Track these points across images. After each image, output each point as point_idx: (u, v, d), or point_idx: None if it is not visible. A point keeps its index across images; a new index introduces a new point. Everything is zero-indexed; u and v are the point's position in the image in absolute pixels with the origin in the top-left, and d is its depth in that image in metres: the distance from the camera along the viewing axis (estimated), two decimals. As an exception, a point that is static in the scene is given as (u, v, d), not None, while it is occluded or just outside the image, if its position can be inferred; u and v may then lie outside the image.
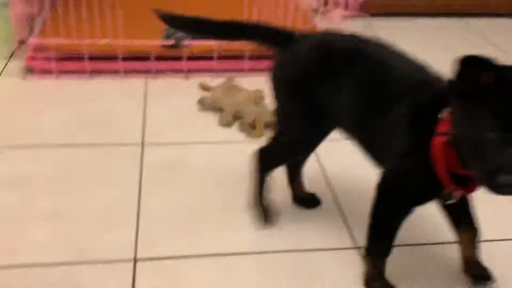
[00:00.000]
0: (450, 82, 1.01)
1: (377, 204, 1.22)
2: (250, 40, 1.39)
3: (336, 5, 2.20)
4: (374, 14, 2.85)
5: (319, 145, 1.39)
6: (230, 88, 1.98)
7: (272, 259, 1.39)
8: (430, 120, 1.08)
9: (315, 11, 2.47)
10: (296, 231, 1.48)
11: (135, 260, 1.35)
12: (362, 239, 1.29)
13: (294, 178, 1.56)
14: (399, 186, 1.18)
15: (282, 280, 1.32)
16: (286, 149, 1.41)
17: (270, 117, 1.89)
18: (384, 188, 1.20)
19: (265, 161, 1.44)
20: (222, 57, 2.22)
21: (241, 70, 2.24)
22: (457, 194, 1.13)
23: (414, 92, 1.14)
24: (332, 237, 1.47)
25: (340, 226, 1.51)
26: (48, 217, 1.47)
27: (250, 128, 1.87)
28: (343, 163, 1.74)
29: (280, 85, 1.34)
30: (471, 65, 0.96)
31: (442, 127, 1.05)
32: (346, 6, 2.21)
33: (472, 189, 1.13)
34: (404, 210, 1.19)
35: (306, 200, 1.57)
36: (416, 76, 1.18)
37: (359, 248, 1.42)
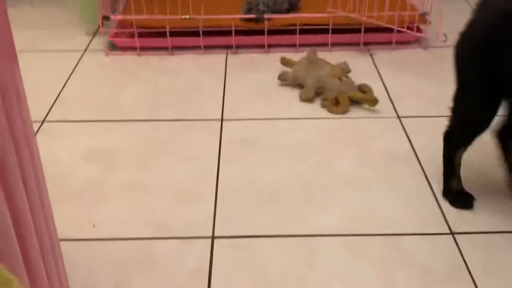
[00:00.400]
0: None
1: None
2: None
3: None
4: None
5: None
6: (313, 62, 1.89)
7: (358, 242, 1.30)
8: None
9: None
10: (386, 214, 1.38)
11: (213, 238, 1.31)
12: (457, 224, 1.17)
13: (508, 153, 1.44)
14: None
15: (368, 265, 1.24)
16: (466, 127, 1.36)
17: (354, 93, 1.79)
18: None
19: (450, 143, 1.39)
20: (304, 31, 2.13)
21: (324, 45, 2.14)
22: None
23: None
24: (424, 221, 1.36)
25: (434, 211, 1.40)
26: (127, 191, 1.46)
27: (333, 104, 1.78)
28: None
29: (461, 55, 1.29)
30: None
31: None
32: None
33: None
34: None
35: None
36: None
37: (453, 234, 1.31)
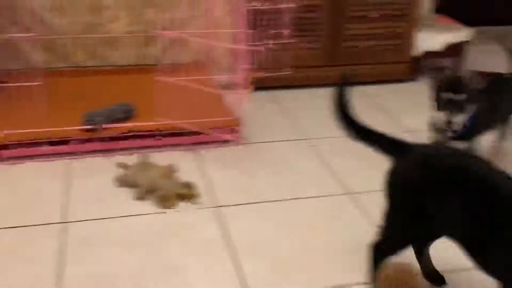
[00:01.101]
0: None
1: None
2: (372, 144, 1.61)
3: (238, 84, 2.50)
4: (279, 87, 3.19)
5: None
6: (144, 164, 2.22)
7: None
8: None
9: (226, 86, 2.76)
10: (200, 291, 1.69)
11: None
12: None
13: (421, 257, 1.71)
14: None
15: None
16: (393, 246, 1.57)
17: (181, 189, 2.13)
18: None
19: (376, 254, 1.60)
20: (137, 136, 2.46)
21: (156, 147, 2.48)
22: None
23: None
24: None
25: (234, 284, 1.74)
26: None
27: (162, 201, 2.10)
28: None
29: (392, 190, 1.53)
30: None
31: None
32: (244, 85, 2.50)
33: None
34: None
35: (433, 277, 1.71)
36: None
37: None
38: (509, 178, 1.35)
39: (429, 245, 1.70)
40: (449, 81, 2.13)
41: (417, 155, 1.50)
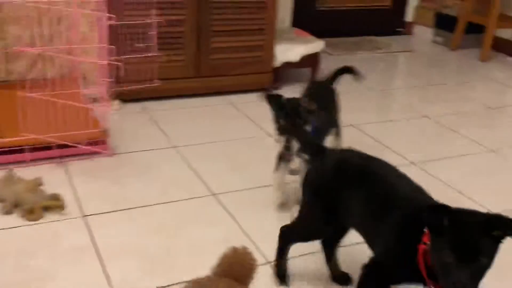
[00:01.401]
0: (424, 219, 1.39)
1: (364, 279, 1.59)
2: (297, 141, 1.99)
3: (103, 97, 2.59)
4: (148, 99, 3.31)
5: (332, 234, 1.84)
6: (9, 179, 2.23)
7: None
8: (418, 230, 1.44)
9: (93, 100, 2.83)
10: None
11: None
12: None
13: (329, 259, 1.91)
14: (386, 270, 1.54)
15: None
16: (302, 233, 1.83)
17: (46, 202, 2.18)
18: (371, 267, 1.57)
19: (285, 238, 1.85)
20: (1, 152, 2.46)
21: (22, 162, 2.49)
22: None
23: (410, 207, 1.50)
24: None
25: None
26: None
27: (28, 213, 2.13)
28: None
29: (307, 187, 1.77)
30: (434, 212, 1.38)
31: (425, 239, 1.42)
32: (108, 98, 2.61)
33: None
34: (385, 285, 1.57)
35: (340, 278, 1.92)
36: (413, 195, 1.56)
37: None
38: (404, 179, 1.63)
39: (336, 246, 1.91)
40: (286, 107, 2.15)
41: (331, 158, 1.76)
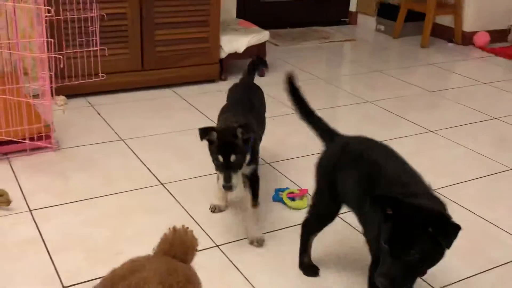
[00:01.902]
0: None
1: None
2: (312, 127, 1.91)
3: (45, 92, 2.57)
4: (93, 93, 3.29)
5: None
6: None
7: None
8: None
9: (37, 95, 2.80)
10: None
11: None
12: None
13: (305, 251, 1.94)
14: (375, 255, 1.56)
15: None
16: (316, 219, 1.89)
17: None
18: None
19: (304, 231, 1.91)
20: None
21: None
22: None
23: (391, 191, 1.52)
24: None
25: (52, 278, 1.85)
26: None
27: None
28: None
29: (318, 171, 1.83)
30: (378, 201, 1.43)
31: None
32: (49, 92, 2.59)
33: None
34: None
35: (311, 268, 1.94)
36: (401, 180, 1.58)
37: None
38: (401, 165, 1.67)
39: (315, 235, 1.94)
40: (221, 141, 1.92)
41: (338, 142, 1.83)
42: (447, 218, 1.38)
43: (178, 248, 1.29)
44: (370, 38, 5.19)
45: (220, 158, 1.92)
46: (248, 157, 2.00)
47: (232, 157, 1.91)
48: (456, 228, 1.34)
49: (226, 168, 1.92)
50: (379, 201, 1.43)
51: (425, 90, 3.87)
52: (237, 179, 1.95)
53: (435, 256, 1.39)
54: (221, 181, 1.94)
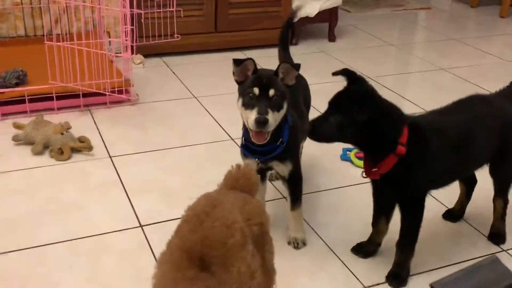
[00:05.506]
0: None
1: None
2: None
3: (126, 47, 2.70)
4: (168, 53, 3.41)
5: None
6: (39, 123, 2.37)
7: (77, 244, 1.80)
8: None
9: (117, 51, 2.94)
10: (98, 224, 1.91)
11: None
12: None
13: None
14: None
15: (81, 257, 1.75)
16: None
17: (74, 143, 2.31)
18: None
19: None
20: (33, 100, 2.59)
21: (51, 109, 2.63)
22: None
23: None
24: (120, 222, 1.93)
25: (128, 211, 1.98)
26: None
27: (58, 154, 2.27)
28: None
29: None
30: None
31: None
32: (130, 48, 2.71)
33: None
34: None
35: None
36: None
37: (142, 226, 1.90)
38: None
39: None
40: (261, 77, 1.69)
41: None
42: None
43: (242, 183, 1.34)
44: (446, 6, 5.04)
45: (256, 91, 1.63)
46: (284, 129, 1.72)
47: (271, 91, 1.63)
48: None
49: (261, 102, 1.62)
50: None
51: (503, 60, 3.74)
52: (274, 119, 1.63)
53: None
54: (253, 116, 1.61)
